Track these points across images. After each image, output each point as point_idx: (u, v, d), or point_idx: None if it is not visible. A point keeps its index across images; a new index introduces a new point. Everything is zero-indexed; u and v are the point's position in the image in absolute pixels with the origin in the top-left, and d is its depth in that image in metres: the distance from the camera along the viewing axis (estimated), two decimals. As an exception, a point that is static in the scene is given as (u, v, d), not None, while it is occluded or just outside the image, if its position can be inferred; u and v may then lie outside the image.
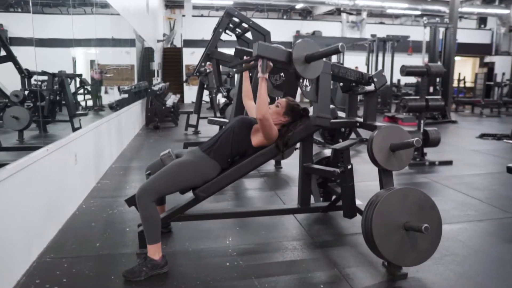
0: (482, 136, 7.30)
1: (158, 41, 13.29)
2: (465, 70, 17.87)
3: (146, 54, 9.94)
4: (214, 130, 8.16)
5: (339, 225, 3.00)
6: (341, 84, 2.68)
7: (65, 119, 3.39)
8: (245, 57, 2.71)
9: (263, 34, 4.59)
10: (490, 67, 17.75)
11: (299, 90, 2.45)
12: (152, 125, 8.23)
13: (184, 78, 9.49)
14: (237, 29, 5.13)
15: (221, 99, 9.88)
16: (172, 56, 16.46)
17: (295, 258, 2.45)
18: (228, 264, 2.35)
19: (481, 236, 2.86)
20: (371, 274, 2.25)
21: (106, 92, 5.47)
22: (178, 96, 11.30)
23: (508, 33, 17.84)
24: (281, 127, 2.43)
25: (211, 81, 7.56)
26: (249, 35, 5.36)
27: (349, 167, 2.29)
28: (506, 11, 17.23)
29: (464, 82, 15.17)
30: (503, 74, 12.63)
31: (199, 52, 18.58)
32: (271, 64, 2.17)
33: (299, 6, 17.53)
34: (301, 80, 2.12)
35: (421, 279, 2.20)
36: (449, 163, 5.09)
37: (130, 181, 4.20)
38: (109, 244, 2.60)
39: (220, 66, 5.58)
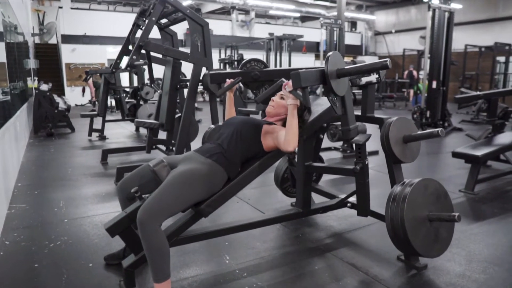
0: (383, 126, 8.08)
1: (33, 35, 11.35)
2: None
3: (23, 50, 8.34)
4: (122, 134, 7.29)
5: (327, 224, 2.86)
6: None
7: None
8: (227, 80, 2.42)
9: (201, 25, 4.18)
10: (362, 66, 20.05)
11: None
12: (44, 132, 6.94)
13: (85, 76, 8.28)
14: (164, 19, 4.59)
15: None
16: (48, 54, 14.30)
17: (313, 268, 2.21)
18: (247, 288, 1.99)
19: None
20: (396, 271, 2.16)
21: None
22: (66, 97, 9.85)
23: (374, 36, 20.39)
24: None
25: (118, 80, 6.70)
26: (175, 27, 4.89)
27: (366, 162, 2.16)
28: (372, 17, 19.69)
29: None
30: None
31: (81, 49, 16.51)
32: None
33: (186, 3, 17.01)
34: (331, 97, 1.89)
35: (442, 268, 2.19)
36: (376, 153, 5.43)
37: (54, 201, 3.36)
38: (79, 289, 1.97)
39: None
